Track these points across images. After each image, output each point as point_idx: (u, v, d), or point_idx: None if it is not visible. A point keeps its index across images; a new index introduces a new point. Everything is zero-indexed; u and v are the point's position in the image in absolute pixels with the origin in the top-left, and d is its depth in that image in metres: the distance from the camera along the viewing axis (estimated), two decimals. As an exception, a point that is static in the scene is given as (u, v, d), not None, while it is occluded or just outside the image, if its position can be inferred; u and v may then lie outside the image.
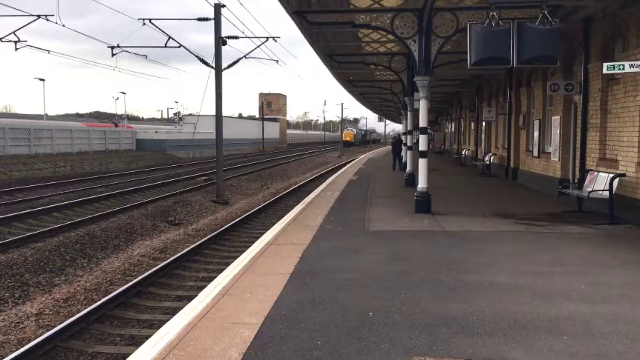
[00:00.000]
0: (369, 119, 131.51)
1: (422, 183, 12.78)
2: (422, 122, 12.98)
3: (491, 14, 9.45)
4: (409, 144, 22.77)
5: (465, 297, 6.20)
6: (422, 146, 12.99)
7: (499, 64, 10.04)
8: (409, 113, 21.13)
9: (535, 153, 18.24)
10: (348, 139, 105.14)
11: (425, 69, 12.43)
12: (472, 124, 32.77)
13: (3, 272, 10.50)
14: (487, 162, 24.91)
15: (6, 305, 9.25)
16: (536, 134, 18.14)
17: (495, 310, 5.75)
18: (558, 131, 15.83)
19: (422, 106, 12.83)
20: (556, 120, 16.07)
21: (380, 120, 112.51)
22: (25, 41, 24.65)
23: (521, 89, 20.59)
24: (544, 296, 6.26)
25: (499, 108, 24.10)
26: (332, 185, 20.64)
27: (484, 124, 28.62)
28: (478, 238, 9.83)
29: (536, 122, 18.20)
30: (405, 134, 25.00)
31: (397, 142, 29.56)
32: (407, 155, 21.95)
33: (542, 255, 8.45)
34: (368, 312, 5.67)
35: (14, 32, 24.04)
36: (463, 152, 34.62)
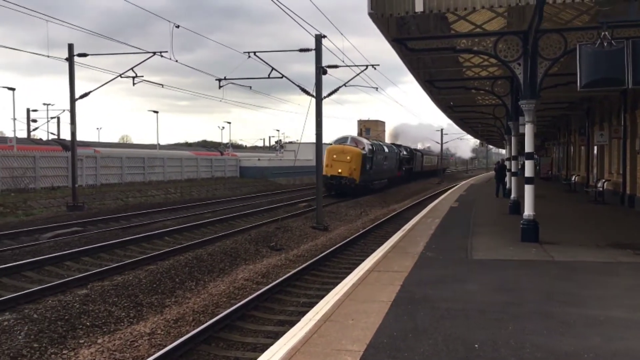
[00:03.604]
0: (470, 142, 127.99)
1: (528, 210, 12.26)
2: (528, 147, 12.52)
3: (603, 33, 9.03)
4: (513, 169, 21.99)
5: (579, 332, 5.84)
6: (529, 172, 12.51)
7: (612, 85, 9.54)
8: (513, 138, 20.44)
9: (655, 179, 16.98)
10: (341, 171, 36.76)
11: (530, 92, 12.01)
12: (582, 148, 31.12)
13: (120, 293, 11.20)
14: (600, 189, 23.47)
15: (122, 324, 9.84)
16: (655, 158, 16.91)
17: (613, 347, 5.36)
18: (681, 155, 14.67)
19: (528, 131, 12.39)
20: (678, 143, 14.91)
21: (481, 145, 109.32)
22: (142, 76, 26.76)
23: (637, 110, 19.32)
24: (670, 334, 5.76)
25: (613, 131, 22.74)
26: (433, 212, 20.28)
27: (595, 148, 27.08)
28: (592, 269, 9.25)
29: (655, 146, 16.99)
30: (509, 159, 24.16)
31: (500, 167, 28.66)
32: (511, 182, 21.19)
33: (666, 289, 7.81)
34: (474, 344, 5.49)
35: (132, 69, 26.12)
36: (572, 178, 32.89)
